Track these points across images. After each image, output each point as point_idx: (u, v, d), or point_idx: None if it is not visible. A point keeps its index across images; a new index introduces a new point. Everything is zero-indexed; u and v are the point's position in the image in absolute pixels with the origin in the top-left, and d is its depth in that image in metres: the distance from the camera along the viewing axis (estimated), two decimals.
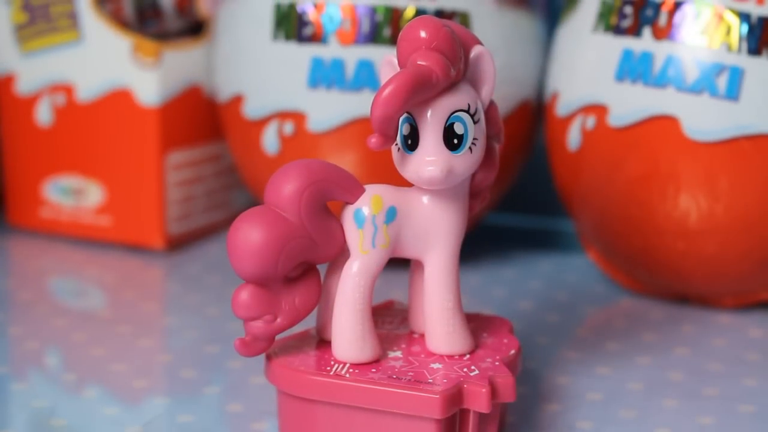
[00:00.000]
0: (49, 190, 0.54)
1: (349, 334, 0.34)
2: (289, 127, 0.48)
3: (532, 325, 0.44)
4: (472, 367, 0.33)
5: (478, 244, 0.53)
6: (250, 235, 0.33)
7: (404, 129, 0.33)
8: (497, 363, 0.34)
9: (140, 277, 0.50)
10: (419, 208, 0.34)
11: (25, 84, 0.53)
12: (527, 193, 0.55)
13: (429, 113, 0.33)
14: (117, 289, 0.49)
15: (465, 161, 0.33)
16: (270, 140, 0.48)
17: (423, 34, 0.32)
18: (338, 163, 0.47)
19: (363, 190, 0.34)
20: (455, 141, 0.33)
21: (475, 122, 0.33)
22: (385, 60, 0.34)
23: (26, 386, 0.39)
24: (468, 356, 0.34)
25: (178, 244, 0.53)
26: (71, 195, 0.53)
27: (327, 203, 0.34)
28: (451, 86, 0.33)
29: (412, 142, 0.33)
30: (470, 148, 0.33)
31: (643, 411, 0.37)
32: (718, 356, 0.41)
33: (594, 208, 0.46)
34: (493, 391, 0.33)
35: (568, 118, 0.46)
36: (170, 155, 0.52)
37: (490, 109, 0.34)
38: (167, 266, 0.51)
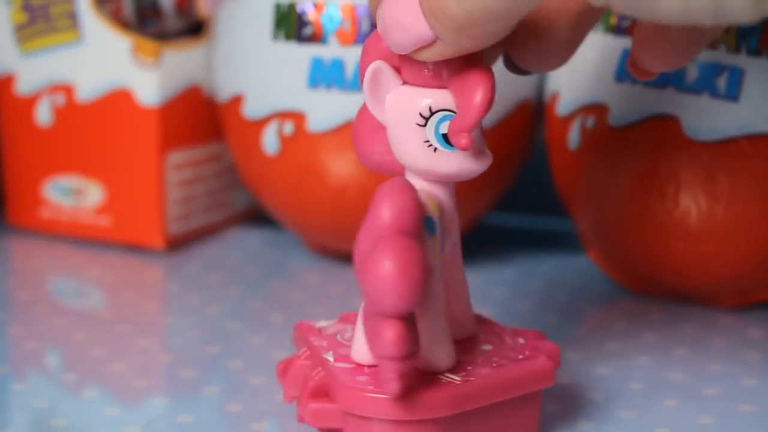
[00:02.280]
0: (49, 190, 0.53)
1: (448, 342, 0.33)
2: (289, 127, 0.48)
3: (532, 325, 0.43)
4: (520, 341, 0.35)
5: (478, 244, 0.53)
6: (408, 269, 0.30)
7: (443, 127, 0.33)
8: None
9: (140, 277, 0.50)
10: (451, 205, 0.34)
11: (25, 84, 0.53)
12: (527, 193, 0.55)
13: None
14: (117, 289, 0.49)
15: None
16: (270, 140, 0.48)
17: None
18: (338, 162, 0.48)
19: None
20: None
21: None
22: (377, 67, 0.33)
23: (26, 386, 0.39)
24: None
25: (178, 244, 0.53)
26: (71, 195, 0.53)
27: None
28: None
29: None
30: None
31: (643, 411, 0.37)
32: (718, 356, 0.41)
33: (594, 208, 0.46)
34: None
35: (568, 118, 0.46)
36: (170, 155, 0.52)
37: None
38: (167, 266, 0.51)
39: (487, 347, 0.35)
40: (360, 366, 0.33)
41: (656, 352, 0.42)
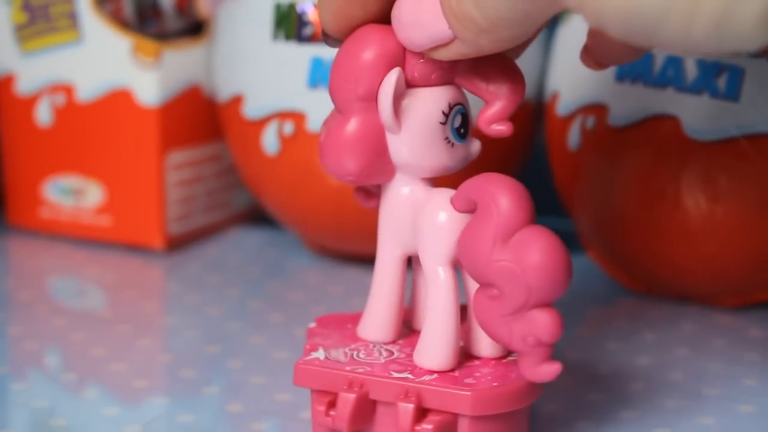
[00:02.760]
0: (49, 190, 0.53)
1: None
2: (289, 127, 0.48)
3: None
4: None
5: None
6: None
7: (456, 121, 0.34)
8: None
9: (140, 277, 0.50)
10: None
11: (25, 84, 0.53)
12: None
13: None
14: (117, 289, 0.49)
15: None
16: (270, 140, 0.48)
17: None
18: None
19: None
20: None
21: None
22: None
23: (26, 386, 0.39)
24: None
25: (178, 244, 0.53)
26: (71, 195, 0.53)
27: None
28: None
29: (464, 130, 0.34)
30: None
31: (643, 411, 0.37)
32: (718, 356, 0.41)
33: (594, 208, 0.46)
34: None
35: (568, 118, 0.46)
36: (170, 155, 0.52)
37: None
38: (167, 266, 0.51)
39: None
40: (449, 371, 0.33)
41: (656, 352, 0.42)
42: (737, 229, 0.42)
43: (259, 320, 0.45)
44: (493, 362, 0.34)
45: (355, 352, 0.35)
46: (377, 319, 0.35)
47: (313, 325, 0.36)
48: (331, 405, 0.33)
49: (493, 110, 0.33)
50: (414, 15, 0.31)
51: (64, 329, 0.43)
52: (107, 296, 0.49)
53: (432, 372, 0.33)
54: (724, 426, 0.36)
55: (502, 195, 0.31)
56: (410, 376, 0.33)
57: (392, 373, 0.33)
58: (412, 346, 0.35)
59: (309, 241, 0.52)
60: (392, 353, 0.34)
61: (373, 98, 0.33)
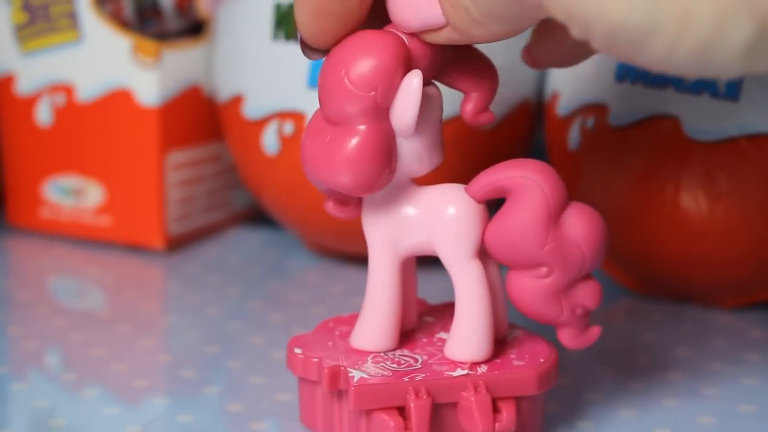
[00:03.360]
0: (49, 190, 0.53)
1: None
2: (289, 127, 0.48)
3: (533, 326, 0.43)
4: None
5: None
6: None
7: None
8: None
9: (140, 277, 0.50)
10: None
11: (25, 84, 0.53)
12: None
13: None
14: (117, 289, 0.49)
15: None
16: (270, 140, 0.48)
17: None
18: None
19: None
20: None
21: None
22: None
23: (26, 386, 0.39)
24: None
25: (178, 244, 0.53)
26: (71, 195, 0.53)
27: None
28: None
29: None
30: None
31: (643, 411, 0.37)
32: (718, 356, 0.41)
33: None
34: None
35: (568, 118, 0.46)
36: (170, 155, 0.52)
37: None
38: (167, 266, 0.51)
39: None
40: (492, 359, 0.34)
41: (656, 352, 0.42)
42: (737, 229, 0.42)
43: (259, 320, 0.45)
44: (507, 344, 0.35)
45: (388, 362, 0.34)
46: (382, 327, 0.35)
47: (298, 351, 0.35)
48: (399, 419, 0.32)
49: (474, 102, 0.34)
50: None
51: (64, 329, 0.43)
52: (107, 296, 0.49)
53: (478, 363, 0.34)
54: (724, 426, 0.36)
55: (544, 178, 0.32)
56: (468, 372, 0.33)
57: (447, 373, 0.33)
58: (423, 347, 0.35)
59: (309, 241, 0.52)
60: (416, 358, 0.34)
61: (387, 105, 0.32)
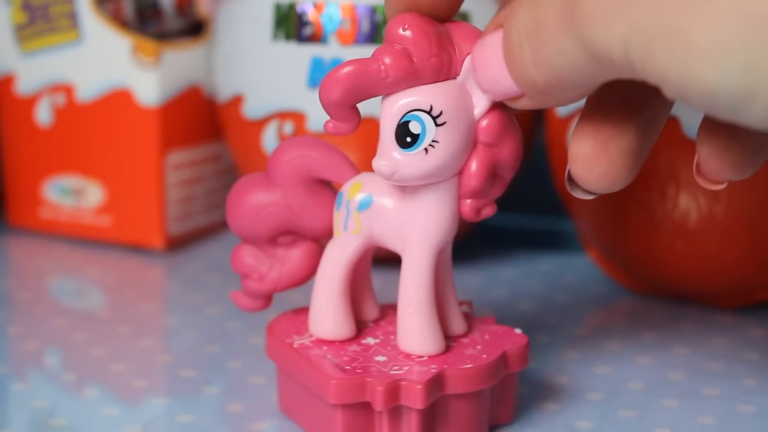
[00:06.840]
0: (49, 190, 0.54)
1: (317, 309, 0.35)
2: (289, 127, 0.48)
3: (532, 325, 0.44)
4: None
5: (478, 244, 0.53)
6: (233, 195, 0.36)
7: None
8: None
9: (140, 277, 0.50)
10: (399, 203, 0.34)
11: (25, 84, 0.53)
12: (527, 193, 0.55)
13: (384, 107, 0.32)
14: (117, 289, 0.49)
15: (417, 162, 0.32)
16: (270, 140, 0.48)
17: (392, 28, 0.32)
18: None
19: (354, 176, 0.35)
20: (408, 139, 0.32)
21: (437, 125, 0.32)
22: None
23: (26, 386, 0.39)
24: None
25: (178, 244, 0.53)
26: (71, 195, 0.53)
27: (319, 180, 0.35)
28: (419, 82, 0.32)
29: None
30: (426, 149, 0.32)
31: (643, 411, 0.37)
32: (718, 356, 0.41)
33: (594, 208, 0.46)
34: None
35: (568, 118, 0.46)
36: (170, 155, 0.52)
37: (489, 116, 0.33)
38: (167, 266, 0.51)
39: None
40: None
41: (656, 352, 0.42)
42: (737, 229, 0.42)
43: (259, 320, 0.45)
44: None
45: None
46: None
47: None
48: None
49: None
50: (485, 66, 0.31)
51: (64, 329, 0.43)
52: (107, 296, 0.49)
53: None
54: (724, 426, 0.36)
55: (278, 145, 0.36)
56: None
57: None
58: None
59: None
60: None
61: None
